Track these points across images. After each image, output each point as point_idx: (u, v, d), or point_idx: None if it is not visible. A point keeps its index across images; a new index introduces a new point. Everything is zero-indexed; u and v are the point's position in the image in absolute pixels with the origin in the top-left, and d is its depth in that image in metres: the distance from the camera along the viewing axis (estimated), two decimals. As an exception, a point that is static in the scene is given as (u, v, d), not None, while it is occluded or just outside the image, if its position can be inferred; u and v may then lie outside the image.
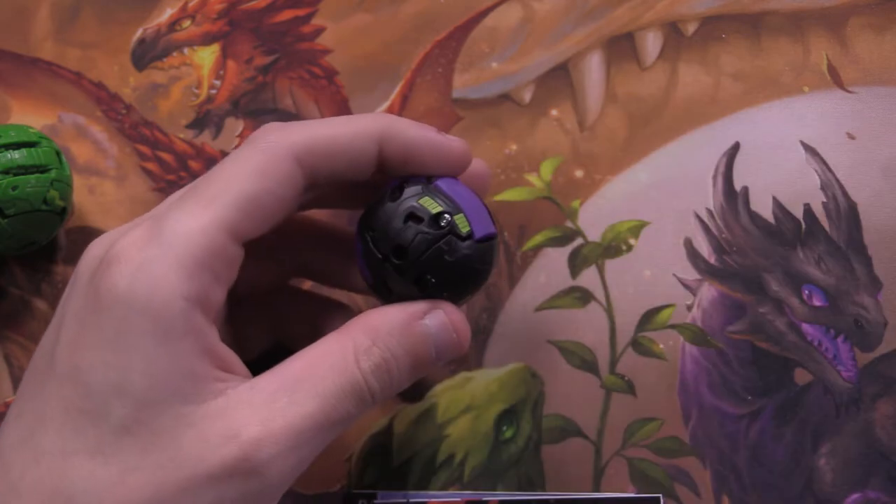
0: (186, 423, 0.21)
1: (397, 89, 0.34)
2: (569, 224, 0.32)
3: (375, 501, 0.30)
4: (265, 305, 0.29)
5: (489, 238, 0.24)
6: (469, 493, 0.30)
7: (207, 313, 0.22)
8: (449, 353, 0.24)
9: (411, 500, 0.30)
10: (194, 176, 0.34)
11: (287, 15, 0.36)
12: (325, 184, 0.24)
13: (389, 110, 0.34)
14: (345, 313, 0.29)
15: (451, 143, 0.25)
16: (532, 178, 0.33)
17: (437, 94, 0.34)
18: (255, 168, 0.22)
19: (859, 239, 0.31)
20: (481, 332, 0.32)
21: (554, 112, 0.34)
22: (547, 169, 0.33)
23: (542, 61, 0.34)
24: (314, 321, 0.29)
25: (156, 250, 0.21)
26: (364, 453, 0.31)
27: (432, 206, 0.23)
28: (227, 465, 0.21)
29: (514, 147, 0.33)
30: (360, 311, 0.24)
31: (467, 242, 0.23)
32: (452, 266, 0.23)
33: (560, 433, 0.30)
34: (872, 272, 0.30)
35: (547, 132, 0.33)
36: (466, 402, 0.31)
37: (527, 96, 0.34)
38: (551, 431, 0.30)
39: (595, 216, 0.32)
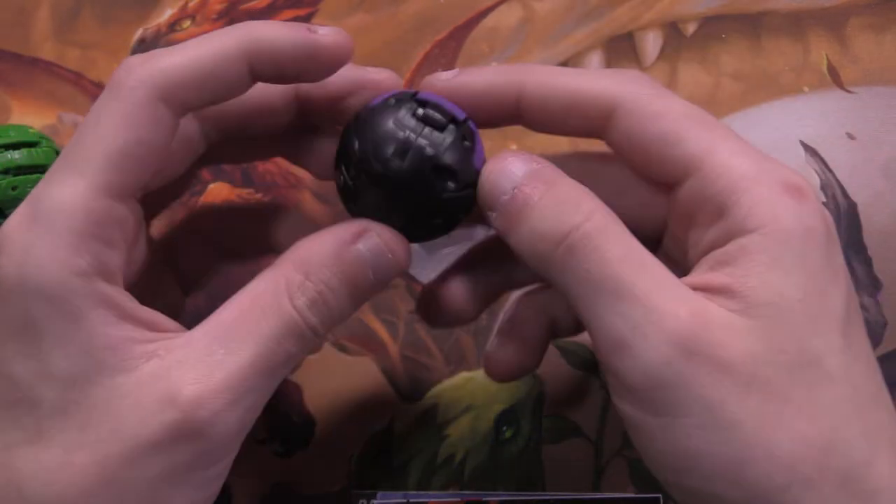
0: (120, 393, 0.20)
1: (397, 89, 0.34)
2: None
3: (375, 501, 0.30)
4: (202, 239, 0.28)
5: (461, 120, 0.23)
6: (469, 493, 0.30)
7: (112, 280, 0.21)
8: (387, 274, 0.23)
9: (411, 500, 0.30)
10: (194, 176, 0.34)
11: (287, 15, 0.36)
12: (201, 109, 0.23)
13: (389, 110, 0.34)
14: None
15: (324, 38, 0.22)
16: (532, 178, 0.33)
17: (437, 94, 0.34)
18: (119, 120, 0.21)
19: (859, 239, 0.30)
20: (481, 332, 0.32)
21: (554, 112, 0.33)
22: (547, 169, 0.33)
23: (542, 61, 0.34)
24: (256, 234, 0.27)
25: (37, 231, 0.20)
26: (364, 453, 0.31)
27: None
28: (169, 429, 0.20)
29: (514, 147, 0.33)
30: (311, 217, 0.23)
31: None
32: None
33: (560, 433, 0.30)
34: (872, 272, 0.30)
35: (547, 132, 0.33)
36: (466, 402, 0.31)
37: (527, 96, 0.34)
38: (551, 431, 0.30)
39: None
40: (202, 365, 0.21)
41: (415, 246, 0.32)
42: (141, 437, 0.20)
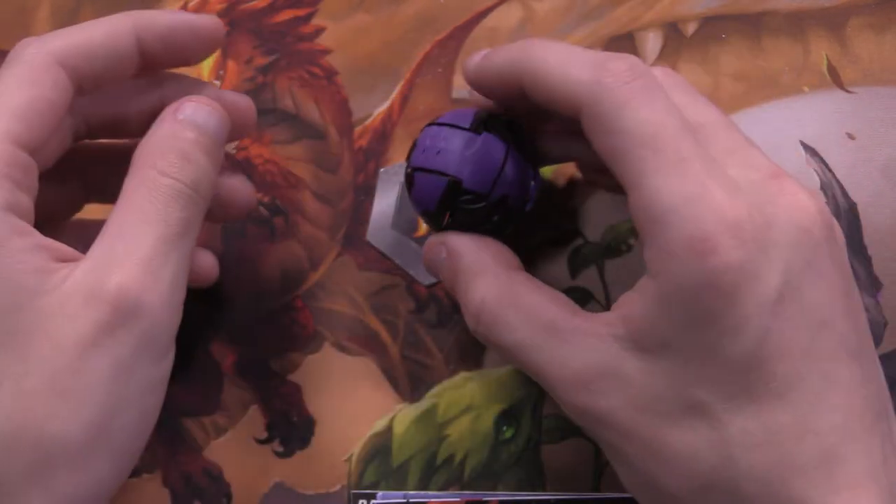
0: (49, 312, 0.21)
1: (397, 89, 0.34)
2: (569, 224, 0.32)
3: (375, 501, 0.30)
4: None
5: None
6: (469, 493, 0.30)
7: (24, 217, 0.23)
8: (218, 124, 0.26)
9: (411, 500, 0.30)
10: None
11: (287, 15, 0.36)
12: (95, 86, 0.25)
13: (389, 110, 0.34)
14: None
15: (202, 20, 0.26)
16: (532, 178, 0.33)
17: (437, 94, 0.34)
18: (22, 80, 0.23)
19: (859, 239, 0.31)
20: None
21: (554, 112, 0.33)
22: (547, 169, 0.33)
23: (542, 61, 0.34)
24: None
25: None
26: (364, 453, 0.31)
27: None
28: (104, 322, 0.21)
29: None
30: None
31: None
32: None
33: (560, 433, 0.30)
34: (872, 272, 0.30)
35: (547, 132, 0.33)
36: (466, 402, 0.31)
37: (527, 96, 0.34)
38: (551, 431, 0.30)
39: (595, 216, 0.32)
40: (112, 261, 0.22)
41: (414, 246, 0.32)
42: (81, 341, 0.21)
